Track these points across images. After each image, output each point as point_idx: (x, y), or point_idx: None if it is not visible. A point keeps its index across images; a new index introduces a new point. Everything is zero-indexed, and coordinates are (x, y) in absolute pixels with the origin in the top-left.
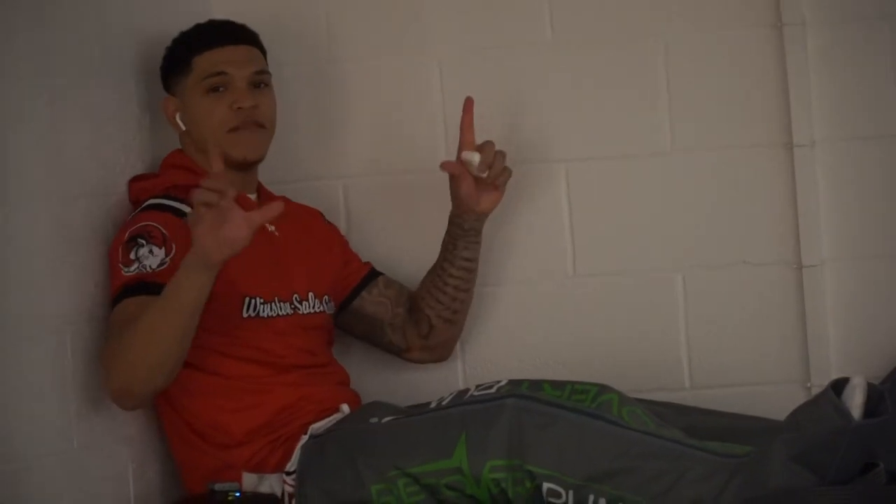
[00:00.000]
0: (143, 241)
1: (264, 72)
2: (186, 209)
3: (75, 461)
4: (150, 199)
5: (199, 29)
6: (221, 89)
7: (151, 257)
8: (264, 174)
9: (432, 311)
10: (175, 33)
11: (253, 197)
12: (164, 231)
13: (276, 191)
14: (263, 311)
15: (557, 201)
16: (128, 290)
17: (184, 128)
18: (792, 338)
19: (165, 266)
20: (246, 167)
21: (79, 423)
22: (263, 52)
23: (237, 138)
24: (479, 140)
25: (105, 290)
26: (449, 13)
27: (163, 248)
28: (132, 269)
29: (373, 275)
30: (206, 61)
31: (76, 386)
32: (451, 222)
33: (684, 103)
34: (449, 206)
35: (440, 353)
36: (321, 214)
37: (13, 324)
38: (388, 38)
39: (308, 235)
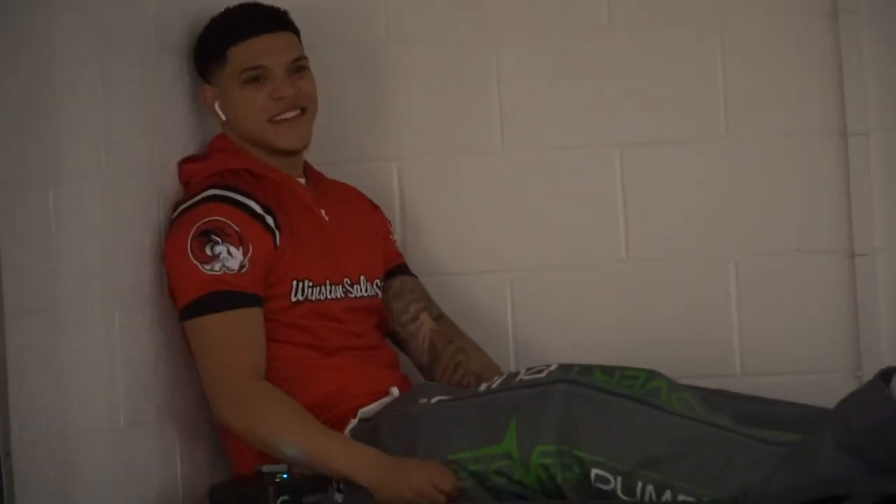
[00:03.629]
0: (219, 239)
1: (302, 57)
2: (248, 202)
3: (123, 440)
4: (209, 187)
5: (231, 17)
6: (261, 80)
7: (231, 258)
8: (316, 155)
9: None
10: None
11: (302, 180)
12: (237, 228)
13: (328, 172)
14: (312, 294)
15: (611, 185)
16: (217, 299)
17: (224, 117)
18: (843, 326)
19: (246, 269)
20: (292, 154)
21: (126, 402)
22: (297, 33)
23: (280, 129)
24: None
25: (156, 269)
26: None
27: (240, 249)
28: (214, 267)
29: (390, 274)
30: (243, 53)
31: (124, 364)
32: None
33: (739, 90)
34: (505, 190)
35: None
36: (364, 195)
37: (64, 302)
38: (445, 20)
39: (357, 219)
